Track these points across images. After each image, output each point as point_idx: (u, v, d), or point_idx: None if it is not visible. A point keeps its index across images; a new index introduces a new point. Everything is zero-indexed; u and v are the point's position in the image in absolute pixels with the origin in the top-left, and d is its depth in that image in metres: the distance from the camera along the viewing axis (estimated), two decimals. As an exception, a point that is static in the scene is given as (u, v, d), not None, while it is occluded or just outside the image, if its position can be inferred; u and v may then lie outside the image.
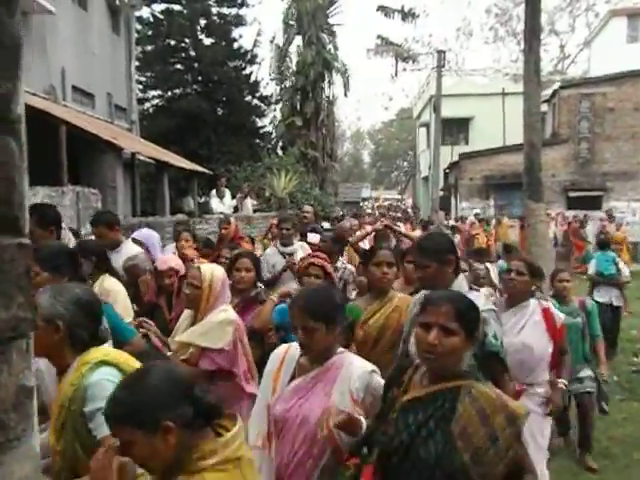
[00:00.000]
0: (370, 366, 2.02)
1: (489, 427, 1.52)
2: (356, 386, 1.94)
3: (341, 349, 2.08)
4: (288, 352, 2.12)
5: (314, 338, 1.94)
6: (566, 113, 17.85)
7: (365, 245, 5.64)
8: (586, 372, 4.14)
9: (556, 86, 19.39)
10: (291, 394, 2.00)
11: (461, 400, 1.58)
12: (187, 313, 2.93)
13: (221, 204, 11.67)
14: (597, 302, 5.44)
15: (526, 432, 1.70)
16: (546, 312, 3.24)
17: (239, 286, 3.31)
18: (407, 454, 1.58)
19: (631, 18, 23.14)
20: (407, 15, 19.26)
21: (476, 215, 15.51)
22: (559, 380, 3.37)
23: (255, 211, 12.86)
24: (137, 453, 1.28)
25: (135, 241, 4.12)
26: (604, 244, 7.61)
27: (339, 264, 4.58)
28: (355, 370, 1.97)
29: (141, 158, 11.95)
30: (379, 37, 19.67)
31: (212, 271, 2.82)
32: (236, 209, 12.32)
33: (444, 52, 19.32)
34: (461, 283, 2.41)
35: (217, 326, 2.72)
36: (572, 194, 17.65)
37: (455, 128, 24.49)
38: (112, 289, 2.96)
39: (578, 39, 31.84)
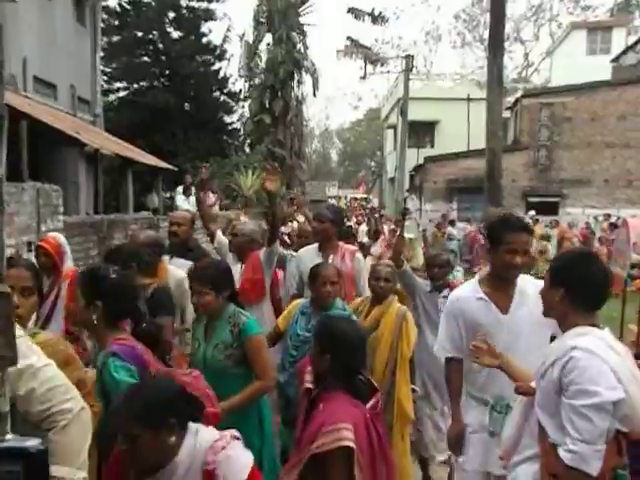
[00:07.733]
0: None
1: None
2: None
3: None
4: None
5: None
6: (527, 121, 18.41)
7: None
8: None
9: (519, 94, 19.98)
10: None
11: None
12: None
13: (186, 202, 11.56)
14: None
15: None
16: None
17: None
18: None
19: (590, 31, 24.06)
20: (377, 18, 19.48)
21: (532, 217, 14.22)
22: None
23: (224, 209, 12.78)
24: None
25: None
26: None
27: None
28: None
29: (105, 152, 11.73)
30: (349, 39, 19.83)
31: None
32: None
33: (412, 57, 19.62)
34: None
35: None
36: (531, 199, 18.24)
37: (421, 131, 24.89)
38: None
39: (542, 48, 32.72)
